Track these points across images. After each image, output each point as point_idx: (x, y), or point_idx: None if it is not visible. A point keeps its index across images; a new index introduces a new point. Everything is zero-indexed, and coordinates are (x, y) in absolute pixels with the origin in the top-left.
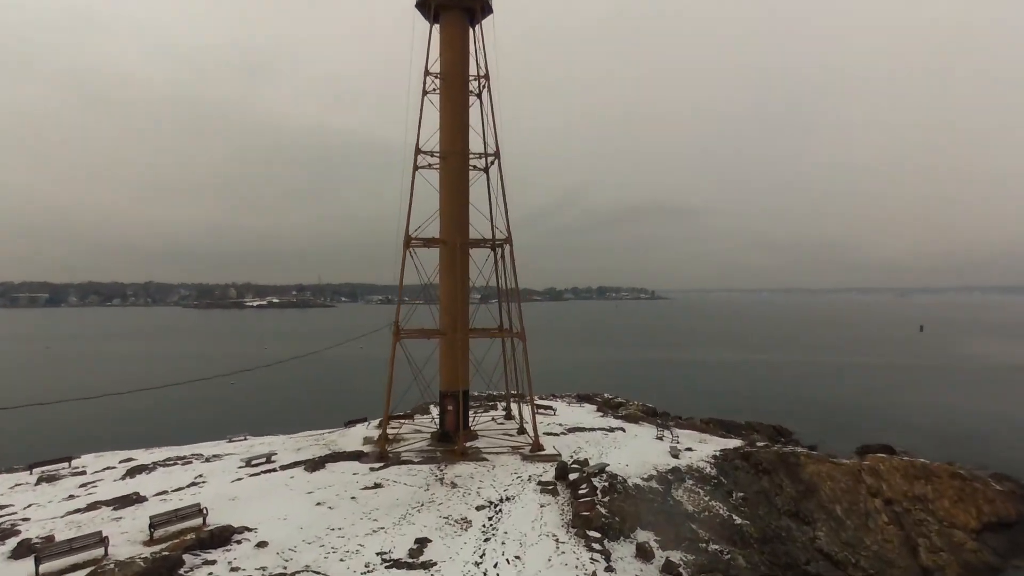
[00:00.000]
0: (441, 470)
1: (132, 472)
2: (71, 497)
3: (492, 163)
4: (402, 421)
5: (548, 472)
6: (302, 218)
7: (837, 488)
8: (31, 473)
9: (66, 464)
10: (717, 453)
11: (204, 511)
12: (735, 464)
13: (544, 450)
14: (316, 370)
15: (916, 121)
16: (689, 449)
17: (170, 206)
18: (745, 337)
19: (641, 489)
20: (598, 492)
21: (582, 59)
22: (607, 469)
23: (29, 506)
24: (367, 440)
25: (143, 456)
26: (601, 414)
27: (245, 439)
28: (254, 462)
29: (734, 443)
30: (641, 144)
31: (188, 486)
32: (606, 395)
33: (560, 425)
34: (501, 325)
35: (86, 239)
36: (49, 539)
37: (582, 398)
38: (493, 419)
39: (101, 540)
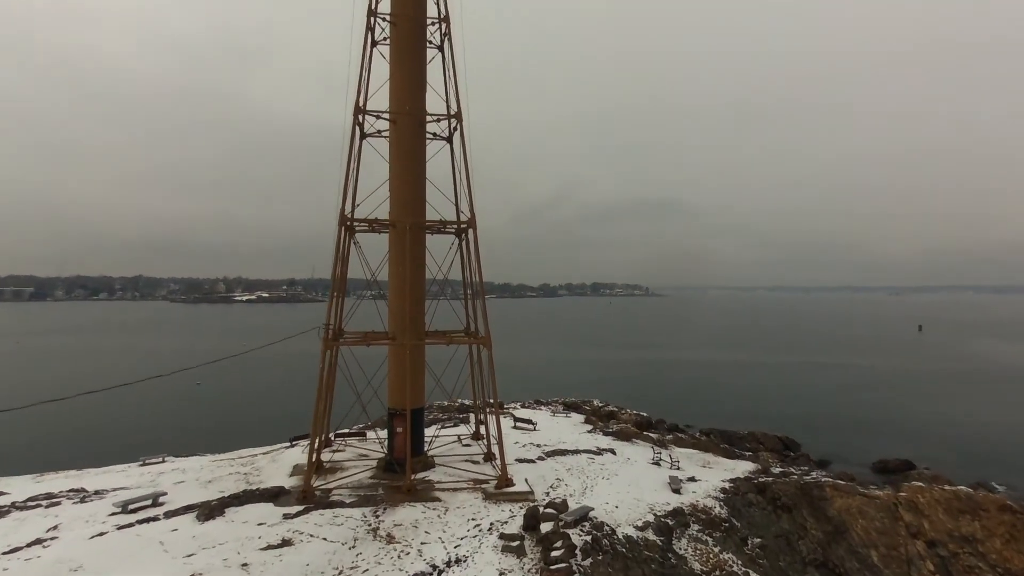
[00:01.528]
0: (378, 516)
1: None
2: None
3: (455, 129)
4: (348, 441)
5: (515, 518)
6: (296, 210)
7: (871, 528)
8: None
9: None
10: (726, 486)
11: None
12: (748, 499)
13: (513, 485)
14: (289, 369)
15: (917, 111)
16: (692, 479)
17: (163, 199)
18: (740, 337)
19: (634, 543)
20: (577, 552)
21: (580, 47)
22: (591, 515)
23: None
24: (298, 469)
25: (19, 488)
26: (589, 428)
27: (163, 460)
28: (132, 507)
29: (743, 467)
30: (637, 139)
31: (29, 544)
32: (596, 403)
33: (538, 446)
34: (468, 328)
35: (74, 233)
36: None
37: (569, 407)
38: (459, 439)
39: None
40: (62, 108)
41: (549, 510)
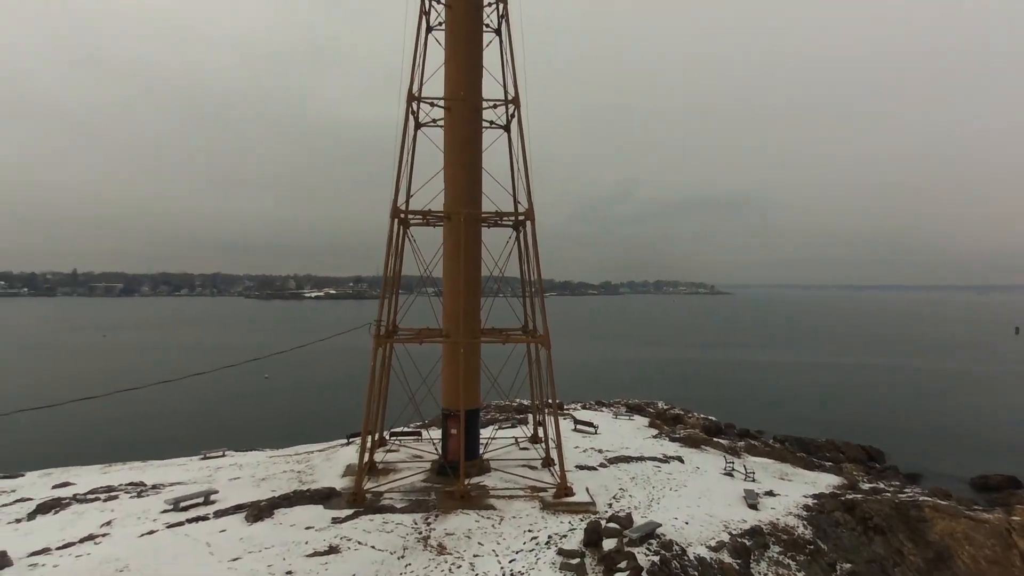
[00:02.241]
0: (429, 524)
1: (42, 508)
2: None
3: (512, 116)
4: (402, 441)
5: (575, 532)
6: (363, 209)
7: (980, 556)
8: None
9: None
10: (809, 502)
11: None
12: (835, 519)
13: (573, 494)
14: (352, 365)
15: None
16: (770, 493)
17: (239, 200)
18: (811, 337)
19: (708, 566)
20: (644, 574)
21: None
22: (658, 532)
23: None
24: (350, 470)
25: (85, 479)
26: (655, 433)
27: (222, 455)
28: (184, 504)
29: (826, 480)
30: (703, 132)
31: (82, 540)
32: (661, 405)
33: (600, 452)
34: (525, 326)
35: (160, 232)
36: None
37: (632, 409)
38: (516, 442)
39: None
40: (156, 117)
41: (612, 525)
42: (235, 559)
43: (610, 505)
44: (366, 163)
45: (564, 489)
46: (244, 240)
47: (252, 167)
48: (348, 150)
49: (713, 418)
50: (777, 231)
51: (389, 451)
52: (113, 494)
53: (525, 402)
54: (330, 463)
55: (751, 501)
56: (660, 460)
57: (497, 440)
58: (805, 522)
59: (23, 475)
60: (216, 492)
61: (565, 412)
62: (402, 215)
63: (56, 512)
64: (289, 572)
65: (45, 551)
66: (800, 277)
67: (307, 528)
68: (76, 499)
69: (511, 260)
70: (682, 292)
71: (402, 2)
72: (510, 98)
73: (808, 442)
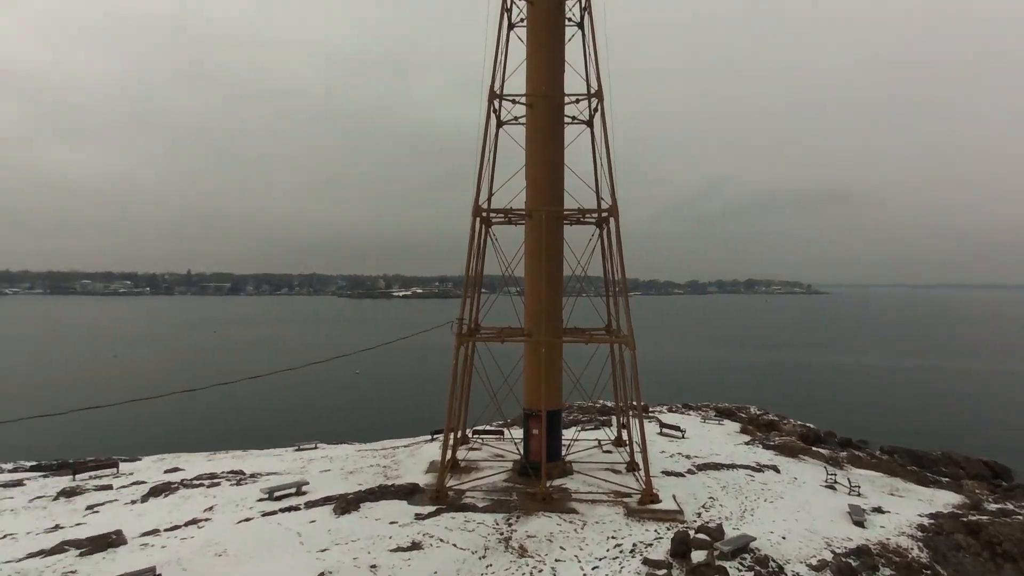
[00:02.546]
0: (510, 524)
1: (155, 491)
2: (55, 527)
3: (595, 110)
4: (485, 439)
5: (661, 541)
6: (449, 209)
7: None
8: (74, 479)
9: (114, 470)
10: (925, 522)
11: None
12: (956, 542)
13: (659, 501)
14: (437, 362)
15: None
16: (879, 510)
17: (333, 204)
18: (919, 339)
19: None
20: None
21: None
22: (752, 546)
23: (4, 537)
24: (434, 466)
25: (192, 465)
26: (747, 440)
27: (315, 447)
28: (278, 494)
29: (944, 498)
30: (794, 123)
31: (187, 524)
32: (753, 410)
33: (688, 458)
34: (609, 325)
35: (263, 236)
36: None
37: (722, 413)
38: (599, 444)
39: None
40: (257, 127)
41: (702, 536)
42: (323, 550)
43: (699, 515)
44: (453, 163)
45: (650, 495)
46: (338, 242)
47: (344, 173)
48: (436, 151)
49: (811, 425)
50: (878, 227)
51: (471, 449)
52: (216, 481)
53: (608, 404)
54: (414, 459)
55: (857, 518)
56: (753, 468)
57: (580, 442)
58: (920, 544)
59: (140, 459)
60: (307, 483)
61: (650, 415)
62: (484, 214)
63: (166, 496)
64: (374, 566)
65: (155, 532)
66: (904, 276)
67: (391, 523)
68: (183, 484)
69: (594, 258)
70: (776, 292)
71: (484, 1)
72: (593, 92)
73: (921, 455)
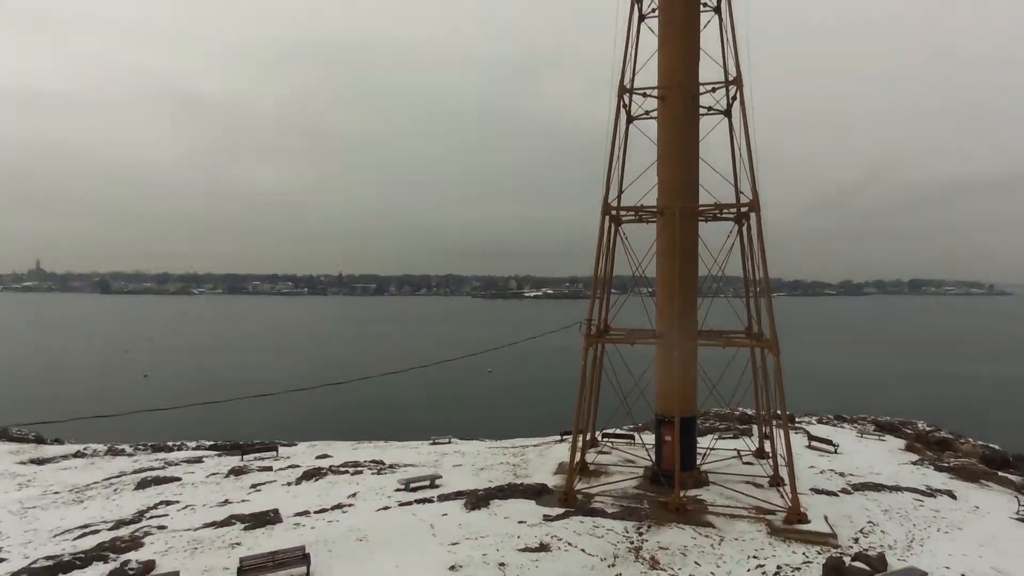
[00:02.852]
0: (641, 533)
1: (307, 475)
2: (225, 502)
3: (733, 99)
4: (615, 443)
5: (811, 566)
6: (579, 210)
7: None
8: (242, 459)
9: (274, 453)
10: None
11: (308, 558)
12: None
13: (808, 522)
14: (568, 363)
15: None
16: None
17: (470, 205)
18: None
19: None
20: None
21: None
22: None
23: (185, 508)
24: (563, 468)
25: (339, 453)
26: (914, 459)
27: (449, 441)
28: (413, 485)
29: None
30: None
31: (333, 508)
32: (921, 426)
33: (841, 475)
34: (749, 328)
35: (404, 237)
36: (148, 567)
37: (883, 428)
38: (738, 455)
39: None
40: (403, 137)
41: (859, 564)
42: (454, 544)
43: (855, 540)
44: (587, 163)
45: (797, 514)
46: (474, 243)
47: (481, 175)
48: (571, 151)
49: (996, 447)
50: None
51: (601, 452)
52: (359, 469)
53: (749, 412)
54: (543, 459)
55: None
56: (923, 493)
57: (717, 451)
58: None
59: (296, 445)
60: (440, 477)
61: (797, 426)
62: (613, 212)
63: (316, 480)
64: (502, 564)
65: (305, 513)
66: None
67: (519, 522)
68: (331, 470)
69: (732, 256)
70: (949, 292)
71: None
72: (731, 79)
73: None
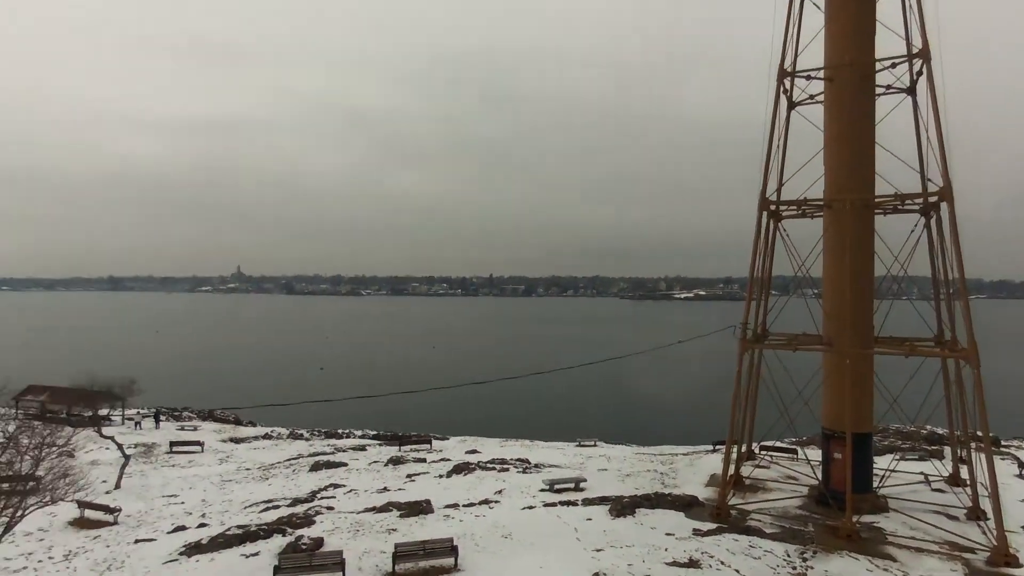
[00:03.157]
0: (804, 559)
1: (457, 469)
2: (384, 489)
3: (918, 74)
4: (774, 457)
5: None
6: (734, 208)
7: None
8: (400, 449)
9: (428, 445)
10: None
11: (456, 550)
12: None
13: (1020, 566)
14: (723, 368)
15: None
16: None
17: (616, 205)
18: None
19: None
20: None
21: None
22: None
23: (350, 491)
24: (715, 480)
25: (487, 450)
26: None
27: (594, 444)
28: (558, 486)
29: None
30: None
31: (480, 503)
32: None
33: None
34: (940, 335)
35: (551, 239)
36: (317, 544)
37: None
38: (926, 479)
39: (339, 563)
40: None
41: None
42: (598, 550)
43: None
44: (740, 158)
45: (1005, 556)
46: (621, 244)
47: (626, 175)
48: (722, 147)
49: None
50: None
51: (758, 466)
52: (505, 467)
53: (939, 430)
54: (693, 469)
55: None
56: None
57: (898, 474)
58: None
59: (448, 439)
60: (585, 480)
61: (1004, 451)
62: (772, 207)
63: (465, 474)
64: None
65: (454, 506)
66: None
67: (667, 534)
68: (479, 466)
69: (917, 253)
70: None
71: None
72: (915, 52)
73: None
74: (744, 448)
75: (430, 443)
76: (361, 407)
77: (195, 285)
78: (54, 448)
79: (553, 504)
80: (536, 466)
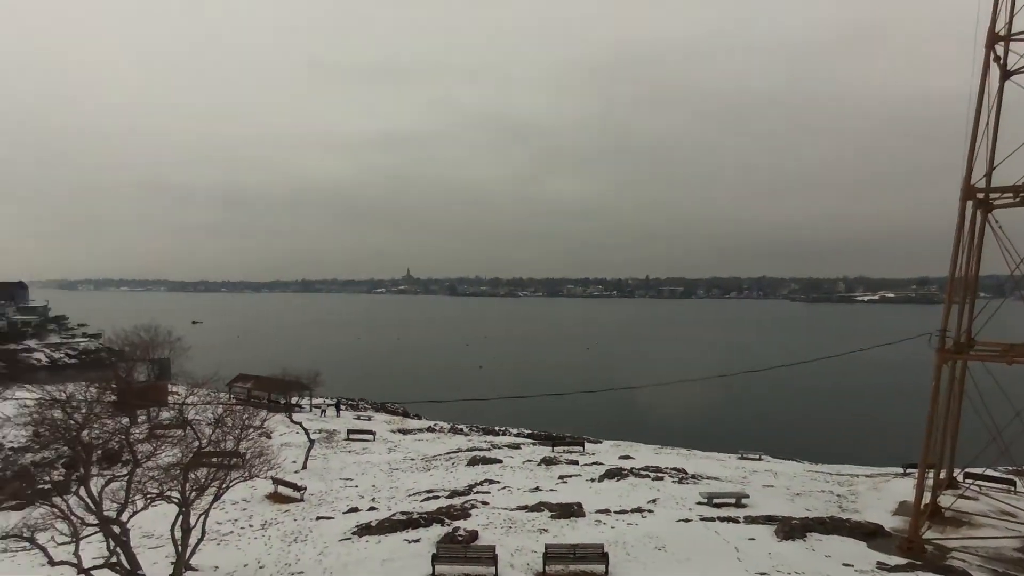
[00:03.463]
0: None
1: (609, 474)
2: (536, 489)
3: None
4: (984, 487)
5: None
6: (934, 198)
7: None
8: (553, 450)
9: (580, 448)
10: None
11: (606, 557)
12: None
13: None
14: (916, 383)
15: None
16: None
17: (784, 201)
18: None
19: None
20: None
21: None
22: None
23: (504, 488)
24: (904, 508)
25: (642, 456)
26: None
27: (759, 458)
28: (717, 501)
29: None
30: None
31: (633, 510)
32: None
33: None
34: None
35: (711, 238)
36: (472, 536)
37: None
38: None
39: (492, 558)
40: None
41: None
42: (762, 574)
43: None
44: (937, 142)
45: None
46: (791, 242)
47: (796, 169)
48: (914, 130)
49: None
50: None
51: (962, 497)
52: (660, 475)
53: None
54: (877, 493)
55: None
56: None
57: None
58: None
59: (601, 442)
60: (747, 496)
61: None
62: (980, 195)
63: (617, 480)
64: None
65: (606, 511)
66: None
67: (844, 564)
68: (633, 472)
69: None
70: None
71: None
72: None
73: None
74: (943, 475)
75: (583, 445)
76: (516, 405)
77: (371, 287)
78: (251, 429)
79: (711, 519)
80: (693, 477)
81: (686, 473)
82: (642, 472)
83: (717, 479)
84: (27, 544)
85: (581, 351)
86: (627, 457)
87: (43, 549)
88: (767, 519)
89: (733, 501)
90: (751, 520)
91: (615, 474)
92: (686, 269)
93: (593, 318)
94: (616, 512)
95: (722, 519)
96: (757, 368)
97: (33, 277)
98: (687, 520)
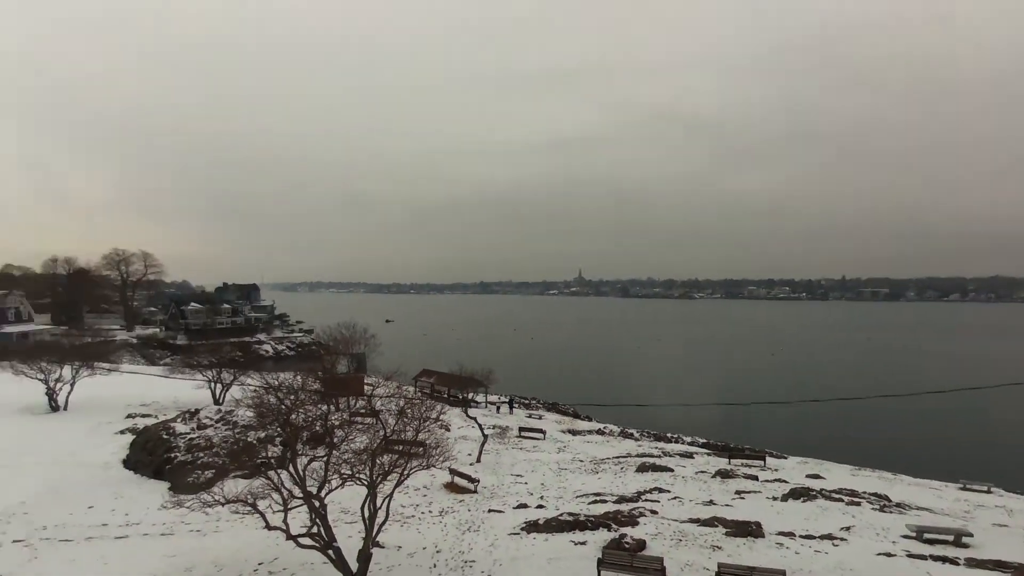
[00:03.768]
0: None
1: (794, 493)
2: (710, 502)
3: None
4: None
5: None
6: None
7: None
8: (729, 462)
9: (761, 462)
10: None
11: None
12: None
13: None
14: None
15: None
16: None
17: (1016, 184)
18: None
19: None
20: None
21: None
22: None
23: (675, 498)
24: None
25: (834, 476)
26: None
27: (988, 491)
28: (928, 536)
29: None
30: None
31: (821, 536)
32: None
33: None
34: None
35: (928, 236)
36: (639, 545)
37: None
38: None
39: (660, 570)
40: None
41: None
42: None
43: None
44: None
45: None
46: None
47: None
48: None
49: None
50: None
51: None
52: (855, 500)
53: None
54: None
55: None
56: None
57: None
58: None
59: (786, 458)
60: (970, 535)
61: None
62: None
63: (804, 501)
64: None
65: (789, 534)
66: None
67: None
68: (822, 494)
69: None
70: None
71: None
72: None
73: None
74: None
75: (764, 459)
76: (688, 412)
77: (544, 289)
78: (429, 421)
79: (922, 557)
80: (898, 505)
81: (889, 500)
82: (834, 495)
83: (929, 511)
84: (251, 509)
85: (765, 356)
86: (816, 476)
87: (262, 515)
88: (997, 565)
89: (951, 539)
90: (975, 564)
91: (801, 494)
92: (890, 268)
93: (779, 322)
94: (801, 536)
95: (935, 558)
96: (991, 384)
97: (263, 280)
98: (889, 555)
